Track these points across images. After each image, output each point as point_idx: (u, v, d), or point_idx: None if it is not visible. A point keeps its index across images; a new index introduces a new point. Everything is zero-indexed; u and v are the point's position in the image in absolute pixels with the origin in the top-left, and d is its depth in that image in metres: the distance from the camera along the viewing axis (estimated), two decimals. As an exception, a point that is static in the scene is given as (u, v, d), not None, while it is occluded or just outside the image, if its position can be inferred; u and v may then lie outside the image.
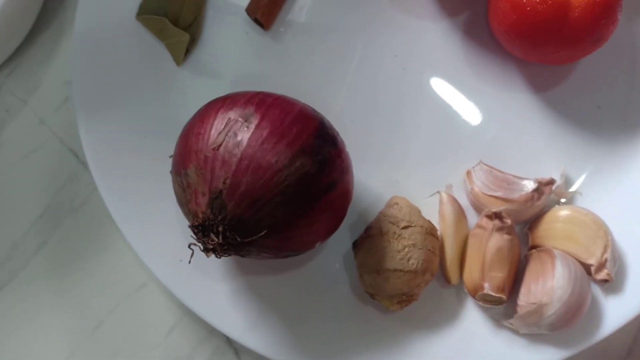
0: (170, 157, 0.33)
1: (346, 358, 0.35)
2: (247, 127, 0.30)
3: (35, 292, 0.40)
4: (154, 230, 0.37)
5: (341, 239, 0.37)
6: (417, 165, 0.38)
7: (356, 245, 0.35)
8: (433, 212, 0.37)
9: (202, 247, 0.30)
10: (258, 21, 0.41)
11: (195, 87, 0.40)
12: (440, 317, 0.36)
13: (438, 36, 0.40)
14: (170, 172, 0.32)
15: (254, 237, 0.29)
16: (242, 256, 0.31)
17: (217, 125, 0.30)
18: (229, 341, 0.38)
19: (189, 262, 0.31)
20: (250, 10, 0.41)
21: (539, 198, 0.34)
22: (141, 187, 0.37)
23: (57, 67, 0.44)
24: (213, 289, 0.36)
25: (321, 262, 0.37)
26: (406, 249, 0.33)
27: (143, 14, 0.40)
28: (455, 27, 0.40)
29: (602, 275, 0.33)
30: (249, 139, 0.29)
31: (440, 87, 0.39)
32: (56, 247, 0.41)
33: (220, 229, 0.29)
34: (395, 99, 0.39)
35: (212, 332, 0.38)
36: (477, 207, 0.36)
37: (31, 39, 0.43)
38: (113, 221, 0.37)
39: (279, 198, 0.29)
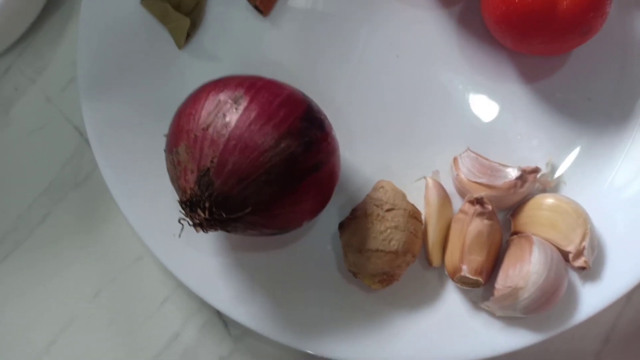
0: (165, 135, 0.34)
1: (329, 333, 0.37)
2: (236, 108, 0.31)
3: (37, 261, 0.42)
4: (150, 205, 0.38)
5: (330, 220, 0.39)
6: (406, 151, 0.39)
7: (342, 225, 0.37)
8: (420, 196, 0.38)
9: (190, 222, 0.31)
10: (257, 7, 0.42)
11: (195, 70, 0.41)
12: (422, 298, 0.37)
13: (432, 25, 0.40)
14: (164, 150, 0.34)
15: (239, 214, 0.31)
16: (229, 232, 0.32)
17: (208, 107, 0.31)
18: (219, 314, 0.40)
19: (179, 236, 0.33)
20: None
21: (522, 186, 0.35)
22: (139, 164, 0.39)
23: (65, 48, 0.45)
24: (204, 263, 0.38)
25: (310, 241, 0.39)
26: (388, 231, 0.35)
27: (147, -2, 0.42)
28: (450, 16, 0.40)
29: (579, 262, 0.34)
30: (237, 120, 0.31)
31: (433, 74, 0.40)
32: (59, 219, 0.43)
33: (207, 205, 0.30)
34: (387, 85, 0.40)
35: (203, 304, 0.40)
36: (462, 193, 0.37)
37: (40, 21, 0.45)
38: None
39: (265, 177, 0.31)
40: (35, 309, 0.42)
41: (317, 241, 0.39)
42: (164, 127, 0.37)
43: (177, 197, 0.37)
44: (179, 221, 0.32)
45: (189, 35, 0.42)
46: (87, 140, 0.43)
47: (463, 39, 0.40)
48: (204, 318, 0.41)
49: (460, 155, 0.37)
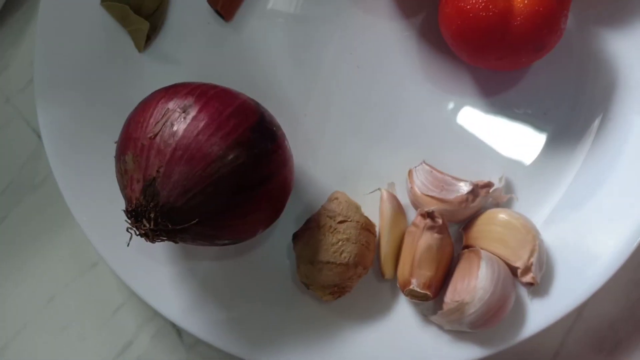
0: (116, 142, 0.34)
1: (281, 344, 0.36)
2: (184, 118, 0.31)
3: (-12, 265, 0.41)
4: (103, 212, 0.38)
5: (286, 230, 0.38)
6: (364, 162, 0.39)
7: (296, 236, 0.36)
8: (376, 207, 0.38)
9: (137, 232, 0.31)
10: (219, 13, 0.41)
11: (155, 74, 0.41)
12: (373, 310, 0.37)
13: (393, 36, 0.40)
14: (114, 157, 0.33)
15: (185, 225, 0.31)
16: (177, 242, 0.32)
17: (156, 115, 0.31)
18: (172, 323, 0.40)
19: (128, 244, 0.33)
20: (211, 2, 0.41)
21: (473, 200, 0.35)
22: (94, 170, 0.39)
23: (26, 49, 0.45)
24: (157, 272, 0.38)
25: (265, 252, 0.39)
26: (340, 243, 0.35)
27: (107, 0, 0.41)
28: (411, 28, 0.40)
29: (527, 278, 0.34)
30: (185, 129, 0.30)
31: (392, 86, 0.40)
32: (16, 222, 0.42)
33: (152, 215, 0.30)
34: (347, 96, 0.40)
35: (157, 312, 0.40)
36: (416, 206, 0.37)
37: (1, 20, 0.45)
38: (67, 201, 0.39)
39: (211, 188, 0.31)
40: (-15, 314, 0.41)
41: (273, 251, 0.39)
42: (119, 133, 0.37)
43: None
44: (127, 230, 0.32)
45: (149, 38, 0.41)
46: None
47: (423, 51, 0.40)
48: (157, 326, 0.40)
49: (415, 167, 0.37)
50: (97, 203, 0.38)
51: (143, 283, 0.37)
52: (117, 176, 0.33)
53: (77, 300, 0.41)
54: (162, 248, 0.38)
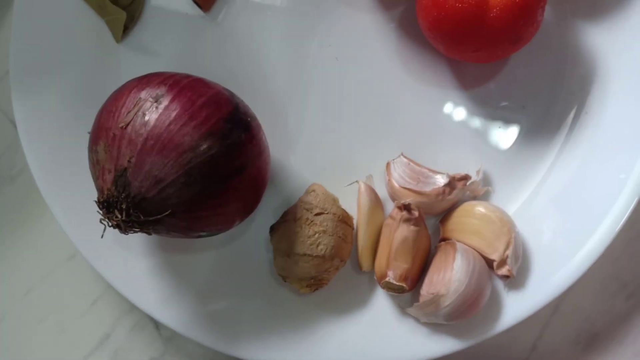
0: (89, 133, 0.33)
1: (258, 337, 0.36)
2: (157, 107, 0.31)
3: (-37, 257, 0.41)
4: (79, 203, 0.38)
5: (265, 223, 0.38)
6: (343, 154, 0.39)
7: (273, 229, 0.36)
8: (354, 200, 0.38)
9: (109, 223, 0.31)
10: (197, 3, 0.41)
11: (132, 65, 0.40)
12: (351, 302, 0.37)
13: (372, 28, 0.40)
14: (87, 148, 0.33)
15: (158, 216, 0.30)
16: (150, 234, 0.32)
17: (128, 104, 0.31)
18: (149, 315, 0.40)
19: (102, 236, 0.32)
20: (192, -7, 0.41)
21: (450, 192, 0.35)
22: (69, 161, 0.38)
23: (2, 39, 0.44)
24: (133, 264, 0.37)
25: (243, 245, 0.38)
26: (316, 235, 0.34)
27: (85, -11, 0.41)
28: (390, 20, 0.40)
29: (503, 271, 0.34)
30: (156, 119, 0.30)
31: (371, 79, 0.40)
32: (-8, 214, 0.42)
33: (124, 206, 0.30)
34: (326, 88, 0.40)
35: (134, 305, 0.40)
36: (394, 198, 0.37)
37: (-23, 9, 0.44)
38: (44, 192, 0.39)
39: (184, 179, 0.30)
40: (-39, 306, 0.41)
41: (251, 244, 0.38)
42: (94, 124, 0.37)
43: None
44: (101, 221, 0.32)
45: (126, 28, 0.41)
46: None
47: (402, 44, 0.40)
48: (135, 318, 0.40)
49: (393, 160, 0.37)
50: (72, 195, 0.38)
51: (120, 275, 0.37)
52: (90, 167, 0.32)
53: (54, 293, 0.41)
54: (138, 240, 0.38)
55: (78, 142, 0.38)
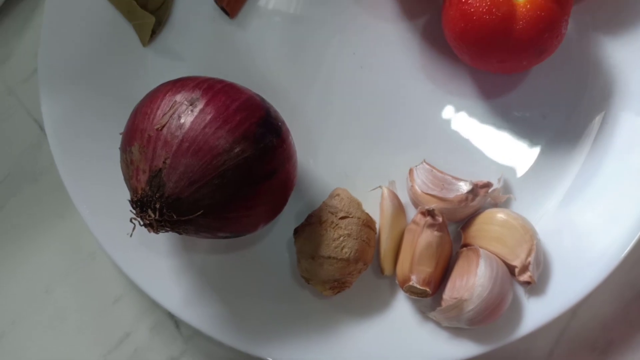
0: (121, 134, 0.34)
1: (279, 337, 0.37)
2: (192, 110, 0.31)
3: (-13, 254, 0.41)
4: (105, 202, 0.38)
5: (287, 225, 0.39)
6: (366, 160, 0.40)
7: (297, 231, 0.37)
8: (376, 205, 0.38)
9: (140, 222, 0.31)
10: (224, 9, 0.42)
11: (158, 69, 0.41)
12: (372, 306, 0.37)
13: (396, 37, 0.41)
14: (120, 148, 0.34)
15: (190, 216, 0.31)
16: (180, 233, 0.32)
17: (163, 107, 0.31)
18: (171, 314, 0.40)
19: (131, 235, 0.33)
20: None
21: (473, 199, 0.36)
22: (96, 160, 0.39)
23: (30, 39, 0.45)
24: (157, 264, 0.38)
25: (265, 246, 0.39)
26: (341, 238, 0.35)
27: (113, -7, 0.42)
28: (414, 30, 0.41)
29: (524, 277, 0.35)
30: (192, 122, 0.31)
31: (394, 86, 0.40)
32: (14, 212, 0.42)
33: (158, 205, 0.30)
34: (350, 95, 0.41)
35: (155, 304, 0.40)
36: (416, 204, 0.38)
37: (6, 10, 0.45)
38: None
39: (217, 181, 0.31)
40: (-18, 304, 0.41)
41: (273, 246, 0.39)
42: (123, 125, 0.37)
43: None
44: (131, 220, 0.32)
45: (154, 33, 0.42)
46: (46, 134, 0.42)
47: (425, 53, 0.41)
48: (155, 318, 0.40)
49: (416, 166, 0.38)
50: (98, 193, 0.38)
51: (143, 274, 0.37)
52: (122, 167, 0.33)
53: (74, 292, 0.41)
54: (162, 240, 0.38)
55: (105, 142, 0.38)
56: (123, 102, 0.39)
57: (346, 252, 0.35)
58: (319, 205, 0.38)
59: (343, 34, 0.41)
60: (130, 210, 0.32)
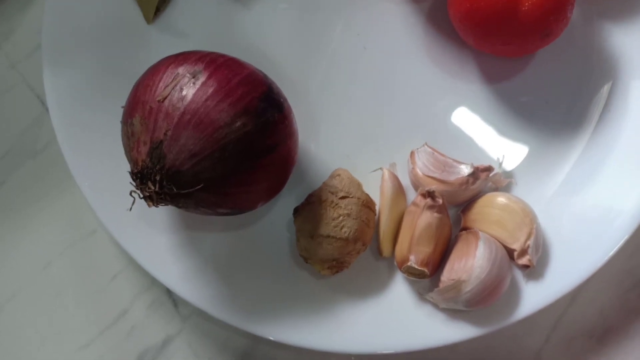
0: (122, 107, 0.34)
1: (277, 316, 0.37)
2: (194, 83, 0.31)
3: (-14, 227, 0.41)
4: (106, 178, 0.38)
5: (287, 205, 0.39)
6: (367, 142, 0.40)
7: (297, 211, 0.37)
8: (377, 187, 0.38)
9: (140, 195, 0.31)
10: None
11: (162, 46, 0.41)
12: (370, 287, 0.37)
13: (401, 19, 0.41)
14: (121, 121, 0.34)
15: (190, 190, 0.31)
16: (180, 207, 0.32)
17: (165, 79, 0.31)
18: (168, 292, 0.40)
19: (130, 209, 0.33)
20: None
21: (473, 182, 0.36)
22: (98, 136, 0.39)
23: (33, 15, 0.45)
24: (156, 240, 0.38)
25: (265, 226, 0.39)
26: (340, 218, 0.35)
27: (118, -31, 0.41)
28: (419, 12, 0.41)
29: (523, 260, 0.35)
30: (194, 94, 0.31)
31: (398, 68, 0.40)
32: (15, 187, 0.42)
33: (158, 177, 0.30)
34: (353, 76, 0.40)
35: (154, 282, 0.40)
36: (417, 187, 0.38)
37: (9, -16, 0.45)
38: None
39: (218, 154, 0.31)
40: (-19, 276, 0.41)
41: (272, 225, 0.39)
42: (125, 101, 0.37)
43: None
44: (130, 194, 0.32)
45: (158, 9, 0.41)
46: (48, 110, 0.42)
47: (430, 36, 0.41)
48: (153, 296, 0.40)
49: (417, 149, 0.38)
50: (99, 169, 0.38)
51: (142, 250, 0.37)
52: (122, 139, 0.33)
53: (73, 267, 0.41)
54: (162, 216, 0.38)
55: (107, 118, 0.38)
56: (126, 79, 0.39)
57: (345, 232, 0.35)
58: (318, 185, 0.37)
59: (347, 14, 0.41)
60: (130, 183, 0.32)
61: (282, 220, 0.39)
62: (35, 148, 0.43)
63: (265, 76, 0.34)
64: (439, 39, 0.40)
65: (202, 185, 0.31)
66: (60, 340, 0.40)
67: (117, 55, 0.40)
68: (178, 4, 0.41)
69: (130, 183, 0.32)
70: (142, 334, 0.40)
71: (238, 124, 0.31)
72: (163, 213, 0.38)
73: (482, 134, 0.39)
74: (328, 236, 0.35)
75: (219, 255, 0.38)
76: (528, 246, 0.34)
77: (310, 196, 0.37)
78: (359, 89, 0.40)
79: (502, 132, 0.39)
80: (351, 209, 0.35)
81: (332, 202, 0.35)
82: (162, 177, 0.30)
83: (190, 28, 0.41)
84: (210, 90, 0.31)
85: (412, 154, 0.38)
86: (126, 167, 0.38)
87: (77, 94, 0.39)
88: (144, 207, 0.33)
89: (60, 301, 0.41)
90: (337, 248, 0.35)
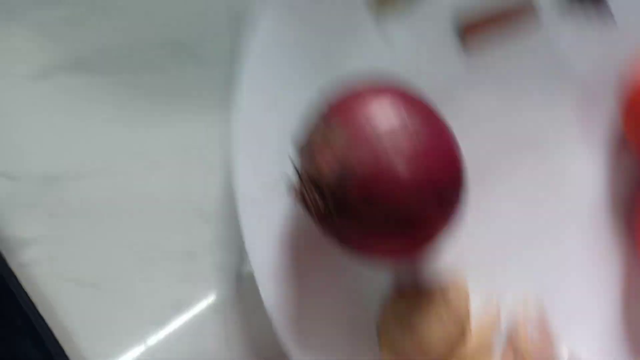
0: (321, 98, 0.32)
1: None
2: (411, 136, 0.30)
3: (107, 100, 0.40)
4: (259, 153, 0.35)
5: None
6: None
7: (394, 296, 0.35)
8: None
9: (294, 194, 0.30)
10: (463, 37, 0.39)
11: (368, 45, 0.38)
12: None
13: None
14: (316, 115, 0.32)
15: (340, 224, 0.30)
16: (317, 224, 0.31)
17: (390, 116, 0.30)
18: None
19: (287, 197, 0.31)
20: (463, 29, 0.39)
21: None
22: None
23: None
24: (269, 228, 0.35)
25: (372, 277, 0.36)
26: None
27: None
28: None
29: None
30: (409, 148, 0.29)
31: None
32: (162, 80, 0.40)
33: (328, 195, 0.29)
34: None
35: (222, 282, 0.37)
36: (512, 343, 0.35)
37: None
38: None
39: (382, 216, 0.29)
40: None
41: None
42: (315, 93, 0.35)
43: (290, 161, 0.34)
44: (290, 188, 0.31)
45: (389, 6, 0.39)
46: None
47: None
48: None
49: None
50: (259, 144, 0.36)
51: (255, 238, 0.35)
52: (311, 132, 0.31)
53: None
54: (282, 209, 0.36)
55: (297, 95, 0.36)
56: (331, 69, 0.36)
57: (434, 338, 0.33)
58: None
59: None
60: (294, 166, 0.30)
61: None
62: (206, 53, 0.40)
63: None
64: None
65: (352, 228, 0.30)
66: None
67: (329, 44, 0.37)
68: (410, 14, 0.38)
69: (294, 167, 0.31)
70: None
71: (423, 197, 0.29)
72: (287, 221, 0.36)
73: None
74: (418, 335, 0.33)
75: (314, 273, 0.35)
76: None
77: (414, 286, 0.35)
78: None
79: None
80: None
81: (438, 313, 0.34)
82: (331, 198, 0.29)
83: (402, 44, 0.38)
84: (427, 157, 0.29)
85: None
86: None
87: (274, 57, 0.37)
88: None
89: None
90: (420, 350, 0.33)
